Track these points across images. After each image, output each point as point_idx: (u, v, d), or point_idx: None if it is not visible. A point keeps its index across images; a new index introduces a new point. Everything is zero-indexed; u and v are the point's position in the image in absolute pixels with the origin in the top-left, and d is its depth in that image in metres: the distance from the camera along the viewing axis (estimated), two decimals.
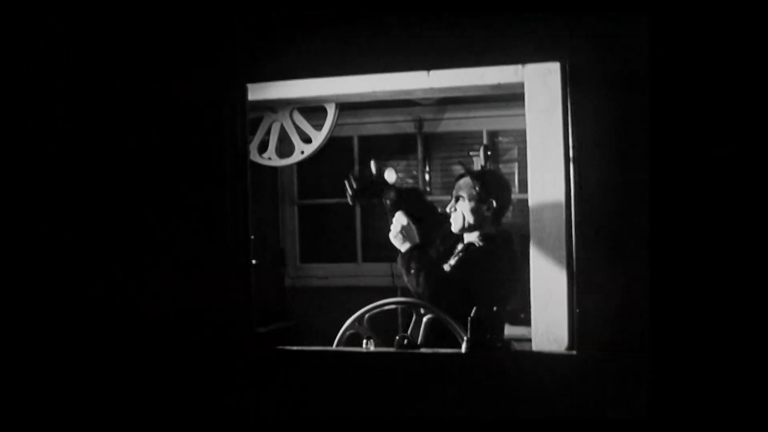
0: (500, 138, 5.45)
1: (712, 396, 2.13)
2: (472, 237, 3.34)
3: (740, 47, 2.11)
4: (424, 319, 3.00)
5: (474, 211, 3.30)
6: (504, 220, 5.23)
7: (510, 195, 3.45)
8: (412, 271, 3.13)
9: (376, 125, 5.49)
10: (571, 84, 2.34)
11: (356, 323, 3.01)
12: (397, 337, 2.82)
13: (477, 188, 3.26)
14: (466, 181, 3.31)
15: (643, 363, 2.25)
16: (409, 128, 5.44)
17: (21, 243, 2.76)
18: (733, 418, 2.11)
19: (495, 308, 2.89)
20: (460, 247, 3.36)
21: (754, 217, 2.10)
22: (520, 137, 4.63)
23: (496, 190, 3.32)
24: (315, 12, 2.50)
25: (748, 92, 2.11)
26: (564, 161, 2.42)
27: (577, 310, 2.38)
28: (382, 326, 3.11)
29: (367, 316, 3.01)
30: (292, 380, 2.62)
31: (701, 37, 2.13)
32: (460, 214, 3.31)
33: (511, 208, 3.56)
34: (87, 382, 2.73)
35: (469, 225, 3.31)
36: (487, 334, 2.63)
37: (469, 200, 3.29)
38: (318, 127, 4.19)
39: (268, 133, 4.28)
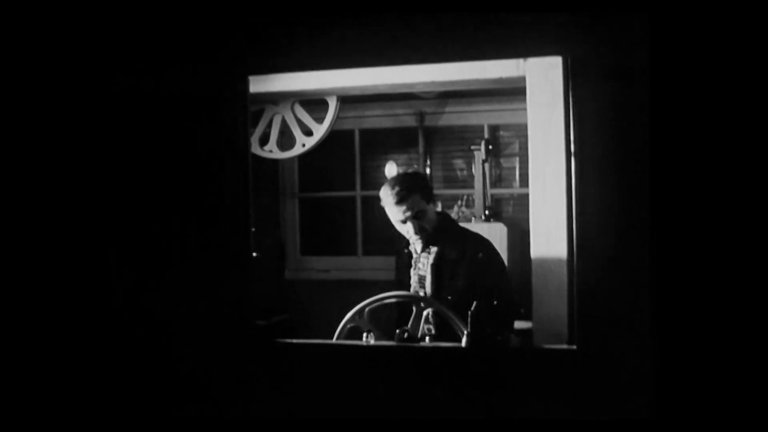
0: (501, 132, 5.44)
1: (713, 394, 2.12)
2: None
3: (740, 43, 2.11)
4: (424, 313, 3.00)
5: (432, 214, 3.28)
6: (504, 214, 5.29)
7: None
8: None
9: (378, 118, 5.49)
10: (572, 78, 2.33)
11: (356, 316, 3.01)
12: (398, 331, 2.83)
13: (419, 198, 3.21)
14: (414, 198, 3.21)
15: (645, 358, 2.25)
16: (411, 122, 5.44)
17: (17, 240, 2.76)
18: (734, 416, 2.11)
19: (495, 302, 2.89)
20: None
21: (756, 212, 2.09)
22: (522, 131, 4.62)
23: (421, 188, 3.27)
24: (317, 5, 2.50)
25: (749, 86, 2.10)
26: (565, 155, 2.41)
27: (577, 306, 2.38)
28: (383, 320, 3.12)
29: (367, 309, 3.01)
30: (291, 373, 2.62)
31: (702, 32, 2.12)
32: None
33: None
34: (83, 377, 2.74)
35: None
36: (487, 329, 2.63)
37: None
38: (319, 120, 4.20)
39: (269, 125, 4.28)
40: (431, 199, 3.26)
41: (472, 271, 3.14)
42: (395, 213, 3.20)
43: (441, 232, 3.28)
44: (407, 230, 3.23)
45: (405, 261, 3.39)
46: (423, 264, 3.28)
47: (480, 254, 3.19)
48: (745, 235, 2.10)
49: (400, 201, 3.16)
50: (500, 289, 3.06)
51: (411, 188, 3.18)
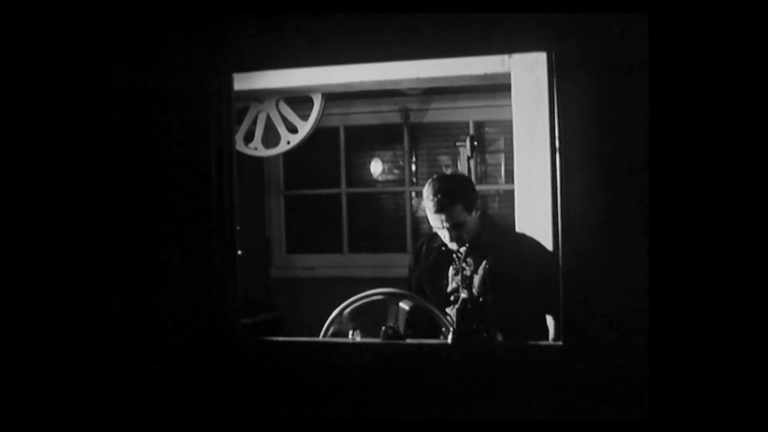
0: (487, 128, 5.46)
1: (710, 393, 2.11)
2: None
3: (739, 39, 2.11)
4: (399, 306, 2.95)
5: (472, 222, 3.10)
6: (490, 210, 5.30)
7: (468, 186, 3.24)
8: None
9: (363, 115, 5.49)
10: (557, 74, 2.33)
11: (342, 314, 3.00)
12: (384, 328, 2.82)
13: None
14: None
15: (633, 354, 2.26)
16: (396, 118, 5.44)
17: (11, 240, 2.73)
18: (731, 414, 2.10)
19: (481, 299, 2.88)
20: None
21: (755, 210, 2.08)
22: (507, 128, 4.62)
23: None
24: (301, 1, 2.49)
25: (747, 82, 2.10)
26: (550, 151, 2.42)
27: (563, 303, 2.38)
28: (369, 317, 3.11)
29: (352, 307, 3.00)
30: (277, 371, 2.61)
31: (698, 28, 2.12)
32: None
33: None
34: (73, 377, 2.72)
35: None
36: (473, 325, 2.63)
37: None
38: (304, 117, 4.19)
39: (254, 123, 4.27)
40: (474, 207, 3.06)
41: (527, 279, 2.97)
42: (433, 219, 3.06)
43: (486, 239, 3.12)
44: (443, 235, 3.10)
45: (435, 258, 3.23)
46: (469, 264, 3.12)
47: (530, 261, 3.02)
48: (745, 230, 2.08)
49: (439, 210, 3.00)
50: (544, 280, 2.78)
51: (453, 199, 3.00)
